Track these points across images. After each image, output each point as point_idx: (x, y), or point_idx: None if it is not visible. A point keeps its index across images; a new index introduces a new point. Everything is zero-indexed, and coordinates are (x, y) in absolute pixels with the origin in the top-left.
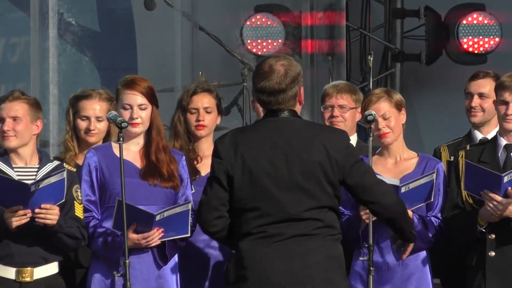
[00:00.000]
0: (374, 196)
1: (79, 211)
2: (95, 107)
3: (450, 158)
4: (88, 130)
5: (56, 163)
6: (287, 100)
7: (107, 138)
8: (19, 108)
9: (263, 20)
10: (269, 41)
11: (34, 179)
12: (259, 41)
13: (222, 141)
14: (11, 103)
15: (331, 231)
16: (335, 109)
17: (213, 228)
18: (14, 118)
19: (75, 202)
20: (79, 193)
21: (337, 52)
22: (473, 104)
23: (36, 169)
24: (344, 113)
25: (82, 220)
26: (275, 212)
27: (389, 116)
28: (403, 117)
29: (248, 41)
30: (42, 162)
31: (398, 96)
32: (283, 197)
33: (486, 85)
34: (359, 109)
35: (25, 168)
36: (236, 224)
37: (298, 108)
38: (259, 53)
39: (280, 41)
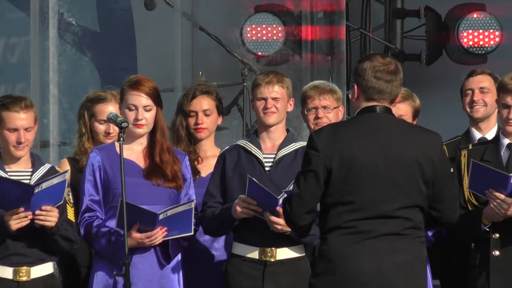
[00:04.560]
0: (443, 208)
1: (70, 214)
2: (112, 110)
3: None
4: (107, 134)
5: (48, 166)
6: None
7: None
8: (30, 117)
9: (263, 20)
10: (269, 41)
11: (29, 183)
12: (259, 41)
13: (319, 134)
14: (25, 114)
15: (418, 232)
16: (319, 110)
17: (302, 222)
18: (27, 128)
19: (67, 205)
20: (70, 196)
21: (337, 52)
22: (476, 98)
23: (29, 173)
24: (328, 114)
25: (74, 223)
26: (368, 208)
27: (406, 120)
28: None
29: (248, 41)
30: (35, 165)
31: (419, 102)
32: (378, 193)
33: (485, 81)
34: (341, 108)
35: (19, 172)
36: (324, 217)
37: None
38: (259, 53)
39: (280, 41)
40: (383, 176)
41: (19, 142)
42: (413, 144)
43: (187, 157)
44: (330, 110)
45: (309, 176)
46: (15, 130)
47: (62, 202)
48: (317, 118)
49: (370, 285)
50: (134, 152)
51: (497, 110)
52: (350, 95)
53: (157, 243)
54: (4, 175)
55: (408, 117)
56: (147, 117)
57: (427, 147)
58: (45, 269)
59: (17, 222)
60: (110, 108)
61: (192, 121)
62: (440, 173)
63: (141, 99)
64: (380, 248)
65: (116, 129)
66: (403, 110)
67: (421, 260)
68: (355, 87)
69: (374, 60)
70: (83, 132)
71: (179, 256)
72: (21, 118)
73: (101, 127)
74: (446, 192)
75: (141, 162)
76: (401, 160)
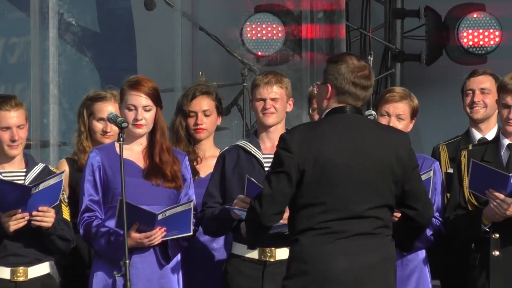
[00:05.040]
0: (420, 205)
1: (65, 214)
2: (110, 109)
3: (449, 157)
4: (104, 132)
5: (42, 166)
6: None
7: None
8: (21, 115)
9: (263, 20)
10: (269, 41)
11: (23, 183)
12: (259, 40)
13: (291, 135)
14: (16, 112)
15: (388, 231)
16: None
17: (270, 223)
18: (19, 126)
19: (62, 204)
20: (65, 195)
21: (337, 52)
22: (476, 99)
23: (23, 173)
24: None
25: (70, 223)
26: (341, 208)
27: (403, 119)
28: (411, 125)
29: (248, 40)
30: (29, 165)
31: (417, 102)
32: (351, 193)
33: (486, 81)
34: None
35: (13, 172)
36: (296, 218)
37: None
38: (259, 53)
39: (280, 40)
40: (357, 176)
41: (13, 140)
42: (384, 143)
43: (187, 157)
44: None
45: (282, 177)
46: (8, 128)
47: (58, 202)
48: None
49: (343, 285)
50: (134, 152)
51: (497, 110)
52: (314, 91)
53: (156, 243)
54: None
55: (406, 116)
56: (147, 117)
57: (397, 146)
58: (42, 269)
59: (14, 223)
60: (109, 107)
61: (191, 121)
62: (409, 170)
63: (141, 99)
64: (353, 248)
65: (114, 128)
66: (401, 109)
67: (392, 259)
68: (329, 87)
69: (350, 64)
70: (82, 130)
71: (178, 256)
72: (12, 116)
73: (98, 125)
74: (418, 188)
75: (140, 162)
76: (374, 160)
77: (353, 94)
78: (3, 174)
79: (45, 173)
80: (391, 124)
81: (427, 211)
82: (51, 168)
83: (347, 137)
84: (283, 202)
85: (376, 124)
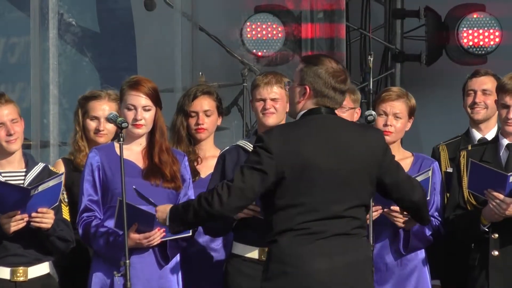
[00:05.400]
0: (406, 193)
1: (65, 214)
2: (104, 108)
3: (449, 157)
4: (97, 131)
5: (42, 165)
6: None
7: (115, 138)
8: (13, 111)
9: (263, 20)
10: (269, 41)
11: (23, 183)
12: (259, 39)
13: (270, 135)
14: (4, 106)
15: (364, 232)
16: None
17: (230, 214)
18: (12, 120)
19: (62, 204)
20: (65, 195)
21: (337, 51)
22: (477, 100)
23: (23, 173)
24: (343, 113)
25: (69, 223)
26: (321, 209)
27: (401, 117)
28: (409, 125)
29: (248, 39)
30: (29, 165)
31: (414, 101)
32: (330, 194)
33: (488, 82)
34: (357, 109)
35: (12, 172)
36: (275, 219)
37: None
38: (259, 53)
39: (280, 41)
40: (335, 176)
41: (9, 135)
42: (360, 142)
43: (186, 158)
44: (345, 110)
45: (256, 175)
46: (2, 124)
47: (57, 203)
48: None
49: (323, 285)
50: (133, 152)
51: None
52: (287, 88)
53: (155, 244)
54: None
55: (403, 115)
56: (146, 118)
57: (372, 144)
58: (42, 269)
59: (14, 224)
60: (103, 106)
61: (192, 121)
62: (386, 164)
63: (140, 100)
64: (332, 248)
65: (107, 126)
66: (398, 108)
67: (370, 259)
68: (307, 88)
69: (330, 68)
70: (77, 130)
71: (177, 257)
72: (4, 112)
73: (92, 124)
74: (397, 177)
75: (140, 162)
76: (351, 160)
77: (332, 98)
78: (3, 174)
79: (45, 173)
80: (389, 123)
81: (414, 193)
82: (51, 168)
83: (324, 138)
84: (250, 199)
85: (351, 123)
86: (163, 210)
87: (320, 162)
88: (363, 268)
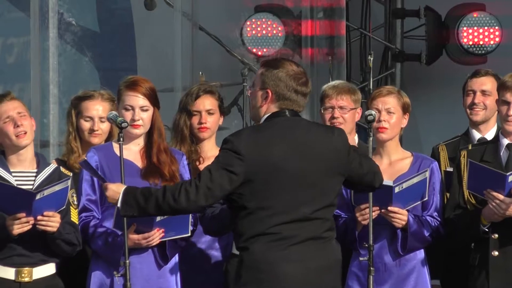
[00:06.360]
0: (368, 183)
1: (74, 216)
2: (98, 108)
3: (449, 157)
4: (91, 131)
5: (53, 166)
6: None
7: (109, 139)
8: (20, 105)
9: (263, 20)
10: (269, 41)
11: (33, 184)
12: (259, 40)
13: (239, 138)
14: (10, 102)
15: (334, 234)
16: (336, 110)
17: (197, 212)
18: (19, 113)
19: (71, 207)
20: (74, 198)
21: (337, 52)
22: (476, 101)
23: (34, 174)
24: (345, 114)
25: (77, 226)
26: (290, 211)
27: (394, 112)
28: (405, 121)
29: (248, 37)
30: (40, 166)
31: (407, 99)
32: (299, 195)
33: (488, 83)
34: (358, 110)
35: (23, 172)
36: (245, 224)
37: None
38: (259, 53)
39: (280, 40)
40: (303, 178)
41: (17, 126)
42: (326, 143)
43: (184, 157)
44: (346, 111)
45: (225, 175)
46: (9, 118)
47: (65, 206)
48: (333, 118)
49: None
50: (132, 152)
51: (497, 111)
52: (249, 93)
53: (154, 244)
54: (8, 177)
55: (396, 110)
56: (144, 118)
57: (338, 144)
58: (47, 269)
59: (18, 227)
60: (97, 106)
61: (195, 120)
62: (351, 161)
63: (138, 100)
64: (306, 254)
65: (101, 126)
66: (390, 103)
67: (340, 261)
68: (269, 92)
69: (290, 70)
70: (70, 131)
71: (176, 257)
72: (11, 106)
73: (86, 124)
74: (362, 172)
75: (138, 162)
76: (317, 161)
77: (294, 101)
78: (13, 174)
79: (56, 175)
80: (382, 119)
81: (375, 181)
82: (62, 169)
83: (290, 140)
84: (218, 198)
85: (315, 125)
86: (115, 189)
87: (287, 164)
88: (336, 271)
